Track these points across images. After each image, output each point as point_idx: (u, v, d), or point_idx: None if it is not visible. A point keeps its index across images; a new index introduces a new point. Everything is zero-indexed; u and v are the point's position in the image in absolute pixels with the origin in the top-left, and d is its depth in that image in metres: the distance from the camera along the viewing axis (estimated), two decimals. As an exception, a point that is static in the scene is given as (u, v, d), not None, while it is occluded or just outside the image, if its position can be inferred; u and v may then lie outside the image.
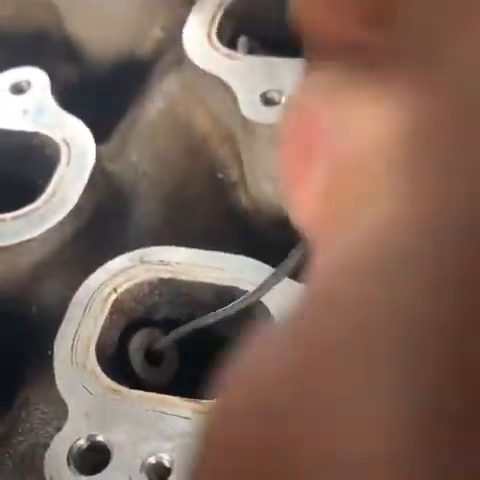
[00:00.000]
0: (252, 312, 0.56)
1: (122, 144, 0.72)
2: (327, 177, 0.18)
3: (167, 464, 0.49)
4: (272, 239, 0.69)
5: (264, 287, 0.51)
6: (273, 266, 0.57)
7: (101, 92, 0.77)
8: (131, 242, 0.64)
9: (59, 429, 0.54)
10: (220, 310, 0.52)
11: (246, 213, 0.70)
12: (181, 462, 0.48)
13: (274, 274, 0.45)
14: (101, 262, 0.58)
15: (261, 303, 0.55)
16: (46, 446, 0.53)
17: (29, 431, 0.56)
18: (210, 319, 0.52)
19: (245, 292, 0.56)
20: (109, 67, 0.80)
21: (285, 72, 0.67)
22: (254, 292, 0.50)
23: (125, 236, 0.66)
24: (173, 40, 0.76)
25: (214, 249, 0.59)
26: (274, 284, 0.48)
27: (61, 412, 0.53)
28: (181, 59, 0.73)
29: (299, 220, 0.19)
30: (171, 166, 0.71)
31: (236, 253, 0.59)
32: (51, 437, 0.55)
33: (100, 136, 0.69)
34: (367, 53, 0.17)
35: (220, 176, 0.72)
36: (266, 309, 0.55)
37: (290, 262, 0.33)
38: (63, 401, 0.52)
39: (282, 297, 0.55)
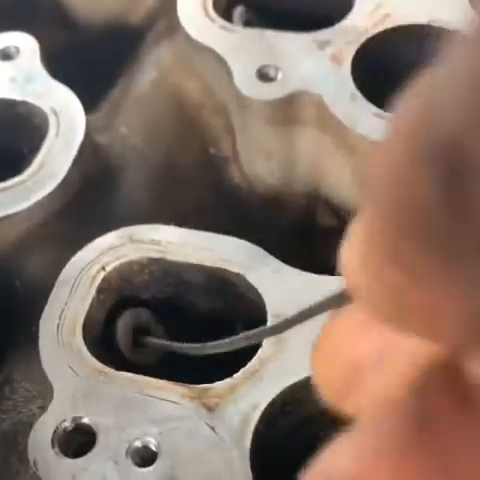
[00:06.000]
0: (237, 288, 0.55)
1: (111, 115, 0.70)
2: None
3: (154, 448, 0.48)
4: (264, 217, 0.68)
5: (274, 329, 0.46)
6: (264, 247, 0.56)
7: (91, 59, 0.74)
8: (119, 217, 0.63)
9: (43, 408, 0.53)
10: (221, 341, 0.47)
11: (238, 190, 0.69)
12: (168, 447, 0.48)
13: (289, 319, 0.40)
14: (88, 238, 0.57)
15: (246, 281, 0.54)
16: (29, 425, 0.52)
17: (12, 409, 0.55)
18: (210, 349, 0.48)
19: (235, 274, 0.55)
20: (100, 34, 0.77)
21: (283, 46, 0.65)
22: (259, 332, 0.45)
23: (113, 211, 0.64)
24: (166, 7, 0.74)
25: (204, 226, 0.58)
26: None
27: (45, 391, 0.52)
28: (174, 28, 0.71)
29: None
30: (161, 139, 0.70)
31: (226, 231, 0.58)
32: (34, 416, 0.54)
33: (89, 105, 0.67)
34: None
35: (212, 151, 0.70)
36: (248, 283, 0.54)
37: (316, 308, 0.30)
38: (47, 380, 0.51)
39: (270, 277, 0.54)
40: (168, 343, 0.54)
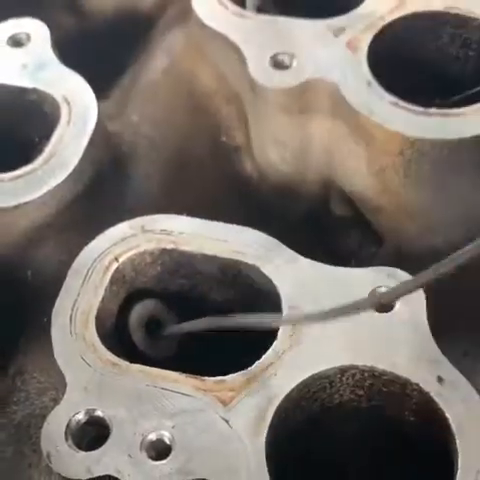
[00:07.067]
0: (251, 279, 0.54)
1: (123, 102, 0.70)
2: None
3: (168, 442, 0.48)
4: (277, 207, 0.68)
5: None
6: (277, 237, 0.55)
7: (102, 45, 0.73)
8: (130, 207, 0.62)
9: (55, 400, 0.53)
10: (235, 315, 0.50)
11: (250, 179, 0.68)
12: (182, 440, 0.47)
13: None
14: (99, 227, 0.56)
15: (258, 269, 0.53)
16: (42, 417, 0.51)
17: (25, 400, 0.55)
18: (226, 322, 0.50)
19: (250, 266, 0.54)
20: (111, 20, 0.76)
21: (297, 33, 0.64)
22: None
23: (124, 201, 0.63)
24: (178, -8, 0.73)
25: (216, 216, 0.57)
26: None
27: (58, 382, 0.52)
28: (186, 14, 0.70)
29: None
30: (173, 127, 0.69)
31: (239, 221, 0.57)
32: (47, 408, 0.54)
33: (100, 92, 0.66)
34: None
35: (223, 139, 0.69)
36: (263, 275, 0.53)
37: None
38: (60, 372, 0.51)
39: (284, 268, 0.53)
40: (192, 322, 0.53)
